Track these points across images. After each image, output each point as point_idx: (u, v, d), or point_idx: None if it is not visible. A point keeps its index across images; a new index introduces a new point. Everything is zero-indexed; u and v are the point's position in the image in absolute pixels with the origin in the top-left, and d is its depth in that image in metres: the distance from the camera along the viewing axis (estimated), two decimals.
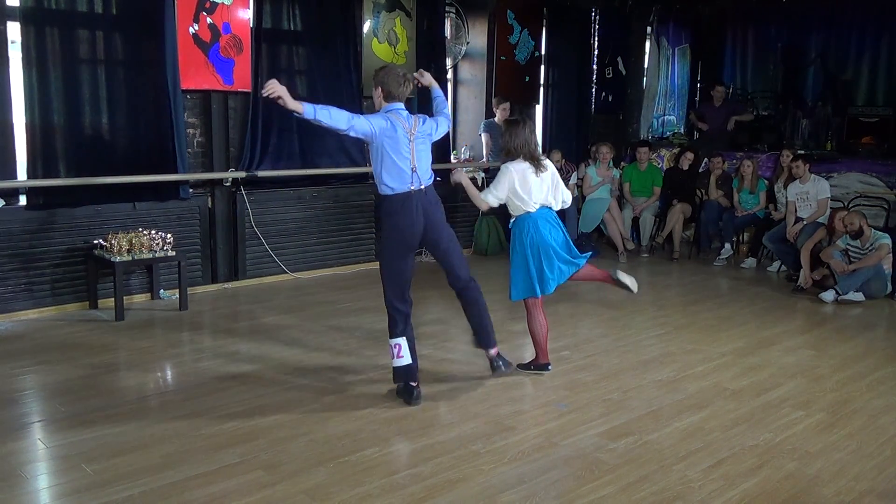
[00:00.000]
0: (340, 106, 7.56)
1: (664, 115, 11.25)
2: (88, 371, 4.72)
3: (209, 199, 6.80)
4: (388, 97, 4.19)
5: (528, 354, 4.95)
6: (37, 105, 5.77)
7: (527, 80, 9.31)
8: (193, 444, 3.70)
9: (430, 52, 8.20)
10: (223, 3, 6.50)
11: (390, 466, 3.53)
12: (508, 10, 8.90)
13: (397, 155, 4.12)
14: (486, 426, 3.97)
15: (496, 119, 8.56)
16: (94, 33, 5.99)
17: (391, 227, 4.19)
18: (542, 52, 9.50)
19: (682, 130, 11.19)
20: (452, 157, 8.85)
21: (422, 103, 8.12)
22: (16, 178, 5.87)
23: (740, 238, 8.78)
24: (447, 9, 8.46)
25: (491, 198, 4.65)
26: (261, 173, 6.90)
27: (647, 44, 10.92)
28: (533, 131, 4.66)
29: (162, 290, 6.45)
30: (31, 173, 5.87)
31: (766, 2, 10.75)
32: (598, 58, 10.18)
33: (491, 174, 8.55)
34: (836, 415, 4.23)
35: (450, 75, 8.90)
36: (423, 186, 4.20)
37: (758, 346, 5.44)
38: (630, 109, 10.80)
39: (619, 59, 10.42)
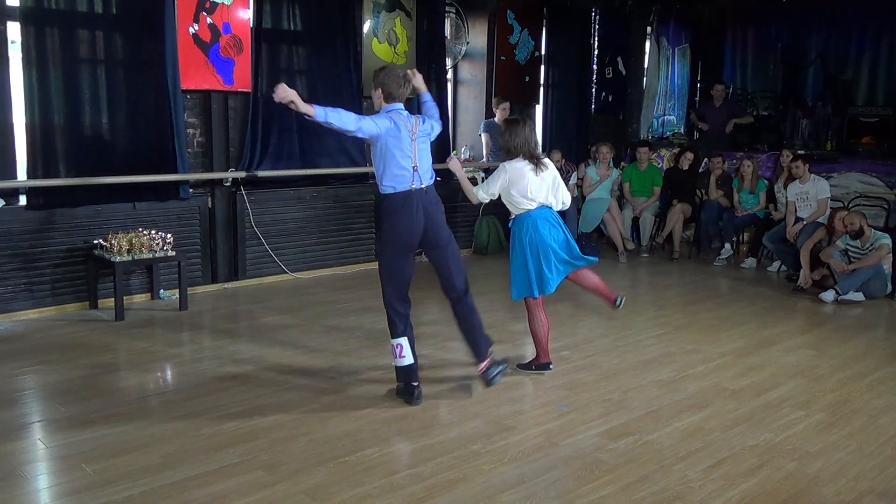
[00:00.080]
0: (341, 106, 7.60)
1: (664, 115, 11.25)
2: (88, 371, 4.72)
3: (209, 199, 6.80)
4: (389, 98, 4.19)
5: (529, 354, 4.95)
6: (37, 105, 5.77)
7: (527, 80, 9.31)
8: (193, 444, 3.70)
9: (430, 52, 8.20)
10: (223, 3, 6.51)
11: (390, 466, 3.53)
12: (508, 10, 8.90)
13: (400, 154, 4.11)
14: (486, 426, 3.97)
15: (496, 119, 8.56)
16: (94, 33, 5.99)
17: (391, 226, 4.18)
18: (542, 52, 9.50)
19: (682, 130, 11.19)
20: (454, 156, 8.85)
21: (421, 105, 8.12)
22: (16, 178, 5.88)
23: (740, 238, 8.78)
24: (447, 9, 8.46)
25: (481, 193, 4.70)
26: (261, 173, 6.90)
27: (647, 44, 10.92)
28: (533, 130, 4.66)
29: (162, 290, 6.45)
30: (31, 173, 5.87)
31: (766, 2, 10.75)
32: (598, 58, 10.18)
33: (491, 174, 8.54)
34: (836, 415, 4.23)
35: (450, 75, 8.90)
36: (423, 185, 4.19)
37: (758, 346, 5.44)
38: (630, 109, 10.79)
39: (619, 59, 10.42)
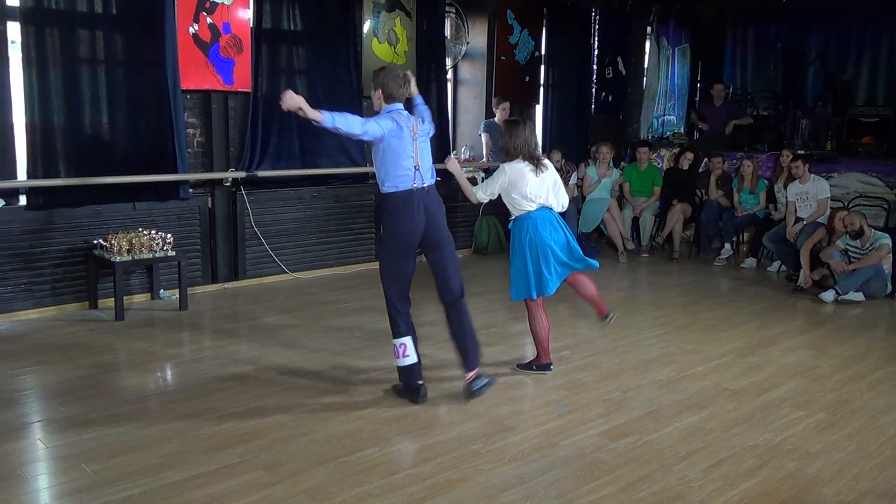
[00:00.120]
0: (341, 106, 7.60)
1: (664, 115, 11.25)
2: (88, 371, 4.72)
3: (209, 199, 6.81)
4: (389, 98, 4.18)
5: (529, 355, 4.95)
6: (37, 105, 5.77)
7: (527, 80, 9.31)
8: (193, 444, 3.70)
9: (430, 52, 8.20)
10: (223, 3, 6.51)
11: (390, 466, 3.53)
12: (508, 10, 8.90)
13: (402, 154, 4.11)
14: (486, 426, 3.97)
15: (496, 119, 8.56)
16: (94, 33, 5.99)
17: (393, 225, 4.17)
18: (542, 52, 9.50)
19: (682, 130, 11.19)
20: (452, 156, 8.84)
21: None
22: (16, 178, 5.88)
23: (740, 238, 8.78)
24: (447, 9, 8.46)
25: (481, 193, 4.72)
26: (261, 173, 6.90)
27: (647, 44, 10.92)
28: (533, 132, 4.66)
29: (162, 290, 6.45)
30: (31, 173, 5.87)
31: (766, 2, 10.75)
32: (598, 58, 10.18)
33: (491, 174, 8.54)
34: (836, 415, 4.23)
35: (450, 75, 8.90)
36: (425, 185, 4.19)
37: (758, 346, 5.44)
38: (630, 109, 10.79)
39: (619, 59, 10.42)
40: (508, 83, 8.97)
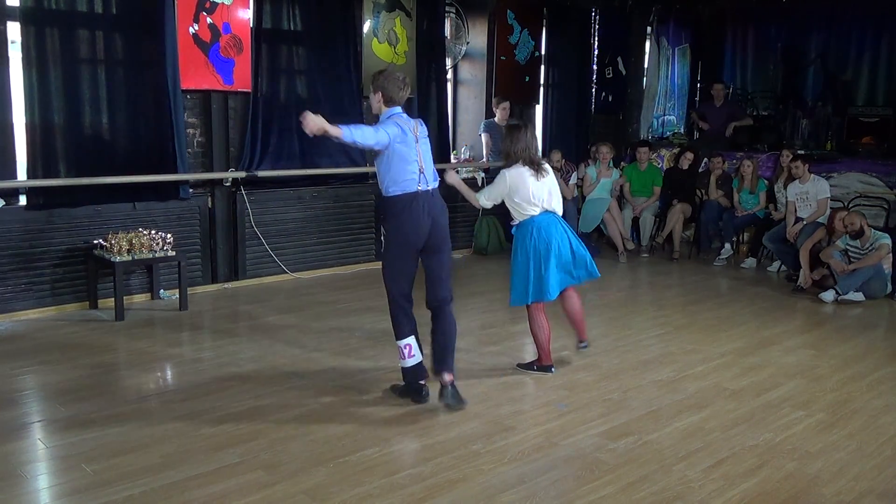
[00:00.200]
0: (341, 106, 7.63)
1: (664, 115, 11.25)
2: (88, 371, 4.72)
3: (209, 199, 6.80)
4: (389, 101, 4.16)
5: (529, 355, 4.95)
6: (37, 105, 5.77)
7: (527, 80, 9.31)
8: (193, 444, 3.70)
9: (430, 52, 8.20)
10: (223, 3, 6.51)
11: (390, 466, 3.53)
12: (508, 10, 8.90)
13: (408, 158, 4.09)
14: (486, 426, 3.97)
15: (496, 119, 8.57)
16: (94, 33, 5.99)
17: (397, 227, 4.15)
18: (542, 52, 9.49)
19: (682, 130, 11.19)
20: (452, 156, 8.86)
21: (421, 104, 8.14)
22: (16, 178, 5.87)
23: (740, 238, 8.78)
24: (447, 9, 8.46)
25: (483, 199, 4.74)
26: (261, 173, 6.90)
27: (647, 44, 10.92)
28: (534, 136, 4.66)
29: (162, 290, 6.45)
30: (31, 173, 5.87)
31: (766, 2, 10.75)
32: (598, 58, 10.18)
33: (491, 174, 8.55)
34: (836, 415, 4.23)
35: (450, 75, 8.90)
36: (430, 187, 4.18)
37: (758, 346, 5.44)
38: (630, 109, 10.79)
39: (619, 59, 10.42)
40: (508, 83, 8.97)
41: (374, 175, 4.35)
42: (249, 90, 6.80)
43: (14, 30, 5.68)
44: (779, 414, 4.22)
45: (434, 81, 8.30)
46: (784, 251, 7.67)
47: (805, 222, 7.46)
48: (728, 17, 11.37)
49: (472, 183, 8.70)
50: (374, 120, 4.35)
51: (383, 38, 7.73)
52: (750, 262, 8.25)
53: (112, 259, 5.79)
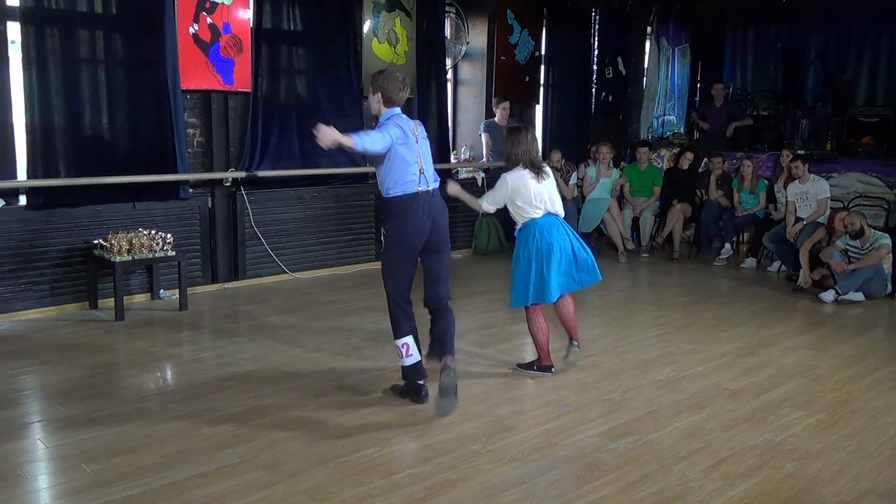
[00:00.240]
0: (341, 106, 7.62)
1: (664, 115, 11.25)
2: (88, 371, 4.72)
3: (209, 199, 6.80)
4: (389, 102, 4.15)
5: (529, 355, 4.95)
6: (37, 105, 5.77)
7: (527, 80, 9.31)
8: (193, 444, 3.70)
9: (430, 52, 8.20)
10: (223, 3, 6.51)
11: (390, 466, 3.53)
12: (508, 10, 8.90)
13: (408, 159, 4.09)
14: (486, 426, 3.97)
15: (496, 119, 8.57)
16: (94, 33, 5.99)
17: (397, 227, 4.16)
18: (542, 52, 9.49)
19: (682, 130, 11.19)
20: (452, 156, 8.86)
21: (421, 104, 8.14)
22: (16, 178, 5.87)
23: (740, 238, 8.78)
24: (447, 9, 8.46)
25: (486, 204, 4.74)
26: (261, 173, 6.90)
27: (647, 44, 10.92)
28: (535, 139, 4.65)
29: (162, 290, 6.45)
30: (31, 173, 5.87)
31: (766, 2, 10.75)
32: (598, 58, 10.18)
33: (491, 174, 8.56)
34: (836, 415, 4.23)
35: (450, 75, 8.90)
36: (430, 188, 4.18)
37: (758, 346, 5.44)
38: (630, 109, 10.79)
39: (619, 59, 10.42)
40: (508, 83, 8.97)
41: (374, 175, 4.34)
42: (249, 90, 6.80)
43: (14, 30, 5.68)
44: (779, 414, 4.22)
45: (434, 81, 8.30)
46: (784, 251, 7.67)
47: (805, 222, 7.46)
48: (728, 17, 11.37)
49: (472, 183, 8.73)
50: (373, 120, 4.35)
51: (383, 38, 7.73)
52: (750, 262, 8.25)
53: (112, 259, 5.79)
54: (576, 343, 4.85)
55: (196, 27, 6.39)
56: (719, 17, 11.39)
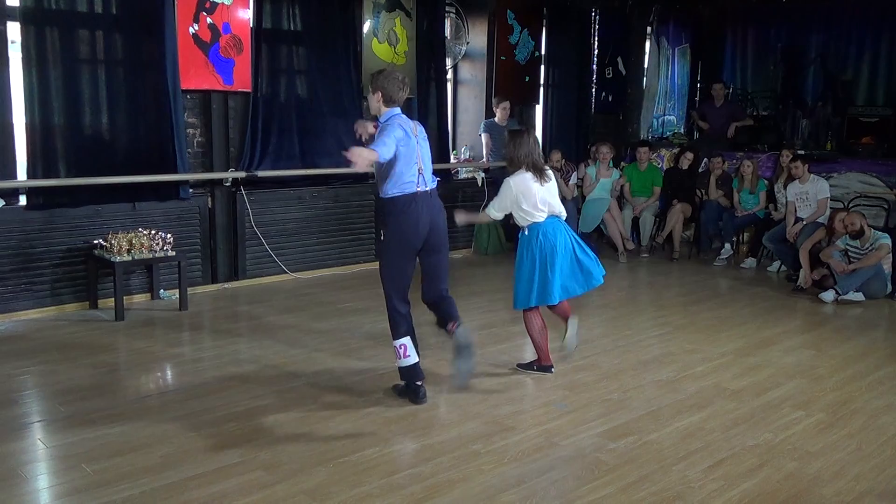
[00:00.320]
0: (341, 106, 7.62)
1: (664, 115, 11.25)
2: (88, 371, 4.72)
3: (209, 199, 6.80)
4: (389, 102, 4.15)
5: (529, 355, 4.95)
6: (37, 105, 5.77)
7: (527, 80, 9.31)
8: (193, 444, 3.70)
9: (429, 52, 8.20)
10: (223, 3, 6.50)
11: (390, 466, 3.53)
12: (508, 10, 8.89)
13: (408, 159, 4.10)
14: (486, 426, 3.97)
15: (496, 119, 8.57)
16: (94, 33, 5.99)
17: (395, 227, 4.16)
18: (542, 52, 9.49)
19: (682, 130, 11.20)
20: (452, 157, 8.86)
21: (421, 104, 8.14)
22: (16, 178, 5.87)
23: (740, 238, 8.78)
24: (447, 9, 8.46)
25: (493, 212, 4.72)
26: (261, 173, 6.90)
27: (647, 44, 10.92)
28: (537, 141, 4.64)
29: (162, 290, 6.45)
30: (31, 173, 5.87)
31: (766, 2, 10.76)
32: (598, 58, 10.18)
33: (491, 174, 8.56)
34: (836, 415, 4.23)
35: (450, 75, 8.90)
36: (428, 188, 4.19)
37: (758, 346, 5.44)
38: (630, 109, 10.80)
39: (619, 59, 10.42)
40: (508, 83, 8.97)
41: (374, 175, 4.34)
42: (249, 90, 6.80)
43: (14, 30, 5.68)
44: (779, 414, 4.22)
45: (434, 81, 8.30)
46: (784, 251, 7.67)
47: (805, 222, 7.46)
48: (728, 17, 11.38)
49: (472, 183, 8.73)
50: (372, 120, 4.35)
51: (383, 38, 7.73)
52: (750, 262, 8.25)
53: (112, 259, 5.79)
54: (572, 327, 4.72)
55: (196, 27, 6.39)
56: (719, 17, 11.39)
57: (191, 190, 6.62)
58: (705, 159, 9.10)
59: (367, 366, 4.88)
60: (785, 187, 7.87)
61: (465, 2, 8.74)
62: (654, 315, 6.30)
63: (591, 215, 8.61)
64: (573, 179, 8.64)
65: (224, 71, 6.61)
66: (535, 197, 4.53)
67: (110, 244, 5.84)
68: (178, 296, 6.19)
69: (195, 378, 4.64)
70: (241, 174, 6.82)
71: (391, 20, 7.77)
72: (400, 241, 4.17)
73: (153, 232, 6.05)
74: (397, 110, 4.18)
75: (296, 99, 7.15)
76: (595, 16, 10.08)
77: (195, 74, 6.45)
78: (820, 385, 4.69)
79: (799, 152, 8.50)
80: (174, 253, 6.12)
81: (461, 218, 4.79)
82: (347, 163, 3.77)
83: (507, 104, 8.50)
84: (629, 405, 4.31)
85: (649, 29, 10.87)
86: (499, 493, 3.29)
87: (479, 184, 8.65)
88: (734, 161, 9.03)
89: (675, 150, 9.54)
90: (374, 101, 4.18)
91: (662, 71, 11.05)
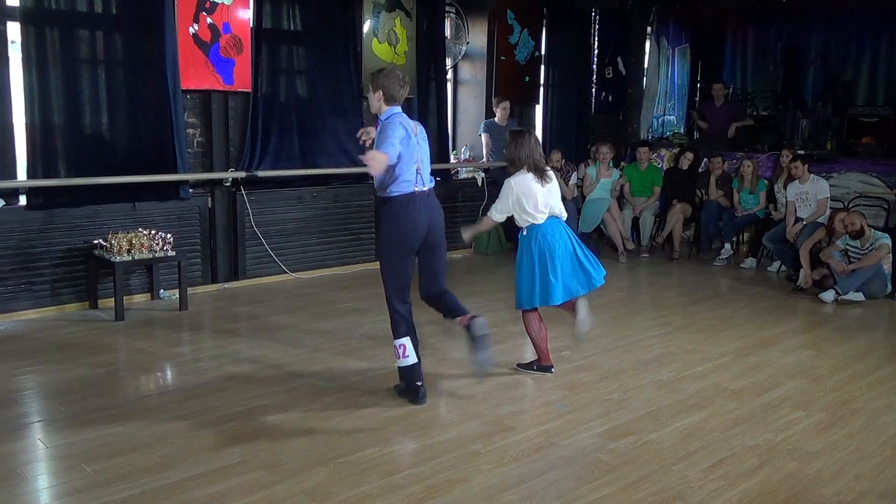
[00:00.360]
0: (341, 106, 7.62)
1: (664, 115, 11.25)
2: (88, 371, 4.72)
3: (209, 199, 6.80)
4: (390, 100, 4.16)
5: (529, 355, 4.95)
6: (37, 105, 5.77)
7: (527, 80, 9.31)
8: (193, 444, 3.70)
9: (429, 52, 8.20)
10: (223, 3, 6.50)
11: (390, 466, 3.53)
12: (508, 10, 8.89)
13: (407, 158, 4.10)
14: (486, 426, 3.97)
15: (496, 119, 8.57)
16: (94, 33, 5.99)
17: (394, 227, 4.17)
18: (542, 52, 9.49)
19: (682, 130, 11.19)
20: (452, 157, 8.86)
21: (421, 104, 8.14)
22: (16, 178, 5.87)
23: (740, 238, 8.78)
24: (447, 9, 8.46)
25: (496, 214, 4.69)
26: (261, 173, 6.90)
27: (647, 44, 10.92)
28: (538, 142, 4.64)
29: (162, 290, 6.45)
30: (31, 173, 5.87)
31: (766, 2, 10.75)
32: (598, 58, 10.18)
33: (491, 174, 8.56)
34: (836, 415, 4.23)
35: (450, 75, 8.90)
36: (426, 188, 4.20)
37: (758, 346, 5.44)
38: (630, 109, 10.79)
39: (619, 59, 10.42)
40: (508, 83, 8.97)
41: (376, 178, 4.34)
42: (249, 90, 6.80)
43: (14, 30, 5.68)
44: (779, 414, 4.22)
45: (434, 81, 8.30)
46: (784, 251, 7.67)
47: (805, 222, 7.46)
48: (728, 17, 11.37)
49: (472, 183, 8.73)
50: (373, 119, 4.35)
51: (383, 38, 7.73)
52: (750, 262, 8.25)
53: (112, 259, 5.79)
54: (582, 311, 4.64)
55: (196, 27, 6.39)
56: (719, 17, 11.39)
57: (191, 190, 6.62)
58: (705, 159, 9.10)
59: (367, 366, 4.88)
60: (785, 187, 7.87)
61: (465, 2, 8.74)
62: (654, 315, 6.30)
63: (591, 215, 8.61)
64: (573, 179, 8.64)
65: (224, 71, 6.61)
66: (536, 198, 4.52)
67: (110, 244, 5.84)
68: (178, 296, 6.19)
69: (195, 378, 4.64)
70: (241, 174, 6.82)
71: (391, 20, 7.77)
72: (398, 240, 4.17)
73: (153, 232, 6.05)
74: (398, 109, 4.19)
75: (296, 99, 7.15)
76: (595, 16, 10.08)
77: (195, 74, 6.45)
78: (820, 385, 4.69)
79: (799, 152, 8.50)
80: (174, 253, 6.12)
81: (467, 235, 4.80)
82: (352, 164, 3.79)
83: (507, 104, 8.50)
84: (629, 405, 4.31)
85: (649, 29, 10.87)
86: (499, 493, 3.29)
87: (479, 184, 8.65)
88: (734, 161, 9.03)
89: (675, 150, 9.54)
90: (375, 99, 4.18)
91: (662, 71, 11.05)
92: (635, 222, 8.82)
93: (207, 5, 6.42)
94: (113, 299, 5.87)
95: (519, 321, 4.90)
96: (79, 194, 6.01)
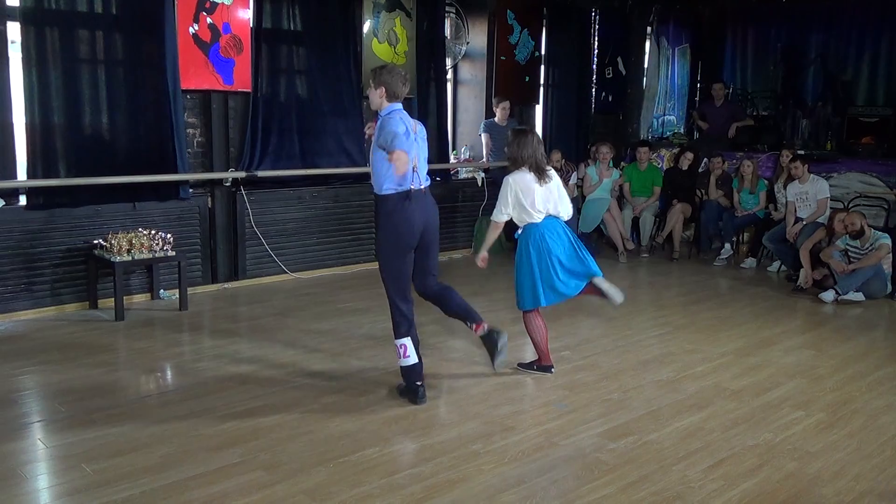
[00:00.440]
0: (341, 106, 7.62)
1: (664, 115, 11.25)
2: (88, 371, 4.72)
3: (209, 199, 6.80)
4: (392, 97, 4.16)
5: (529, 355, 4.95)
6: (37, 105, 5.77)
7: (527, 80, 9.31)
8: (193, 444, 3.70)
9: (429, 52, 8.20)
10: (223, 3, 6.50)
11: (390, 466, 3.53)
12: (508, 10, 8.89)
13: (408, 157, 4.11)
14: (486, 426, 3.97)
15: (496, 119, 8.56)
16: (94, 33, 5.99)
17: (390, 226, 4.17)
18: (542, 52, 9.49)
19: (682, 130, 11.19)
20: (452, 157, 8.86)
21: (421, 104, 8.14)
22: (16, 178, 5.87)
23: (740, 238, 8.78)
24: (447, 9, 8.46)
25: (499, 216, 4.66)
26: (261, 173, 6.90)
27: (647, 44, 10.92)
28: (540, 142, 4.63)
29: (162, 290, 6.45)
30: (31, 173, 5.87)
31: (766, 2, 10.76)
32: (598, 58, 10.18)
33: (491, 174, 8.56)
34: (836, 415, 4.23)
35: (450, 75, 8.90)
36: (422, 186, 4.20)
37: (758, 346, 5.44)
38: (630, 109, 10.79)
39: (619, 59, 10.42)
40: (508, 83, 8.96)
41: (373, 175, 4.34)
42: (249, 90, 6.80)
43: (14, 30, 5.68)
44: (779, 414, 4.22)
45: (434, 81, 8.30)
46: (784, 251, 7.67)
47: (805, 222, 7.46)
48: (728, 17, 11.37)
49: (472, 183, 8.73)
50: (373, 116, 4.35)
51: (383, 38, 7.73)
52: (750, 262, 8.25)
53: (112, 259, 5.79)
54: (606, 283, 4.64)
55: (196, 27, 6.39)
56: (719, 17, 11.39)
57: (191, 190, 6.62)
58: (705, 159, 9.10)
59: (367, 366, 4.88)
60: (785, 187, 7.87)
61: (465, 2, 8.74)
62: (654, 315, 6.30)
63: (591, 215, 8.61)
64: (573, 179, 8.64)
65: (224, 71, 6.61)
66: (534, 196, 4.52)
67: (110, 244, 5.84)
68: (178, 296, 6.19)
69: (195, 378, 4.64)
70: (241, 174, 6.82)
71: (391, 20, 7.77)
72: (395, 239, 4.18)
73: (153, 232, 6.05)
74: (398, 105, 4.19)
75: (296, 99, 7.15)
76: (595, 16, 10.07)
77: (195, 74, 6.45)
78: (820, 385, 4.69)
79: (799, 152, 8.50)
80: (174, 253, 6.12)
81: (480, 257, 4.77)
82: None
83: (507, 104, 8.50)
84: (629, 405, 4.31)
85: (649, 29, 10.86)
86: (499, 493, 3.29)
87: (479, 184, 8.64)
88: (734, 161, 9.03)
89: (675, 150, 9.54)
90: (377, 96, 4.18)
91: (662, 71, 11.05)
92: (635, 222, 8.82)
93: (207, 5, 6.42)
94: (113, 299, 5.87)
95: (519, 321, 4.90)
96: (79, 194, 6.01)
